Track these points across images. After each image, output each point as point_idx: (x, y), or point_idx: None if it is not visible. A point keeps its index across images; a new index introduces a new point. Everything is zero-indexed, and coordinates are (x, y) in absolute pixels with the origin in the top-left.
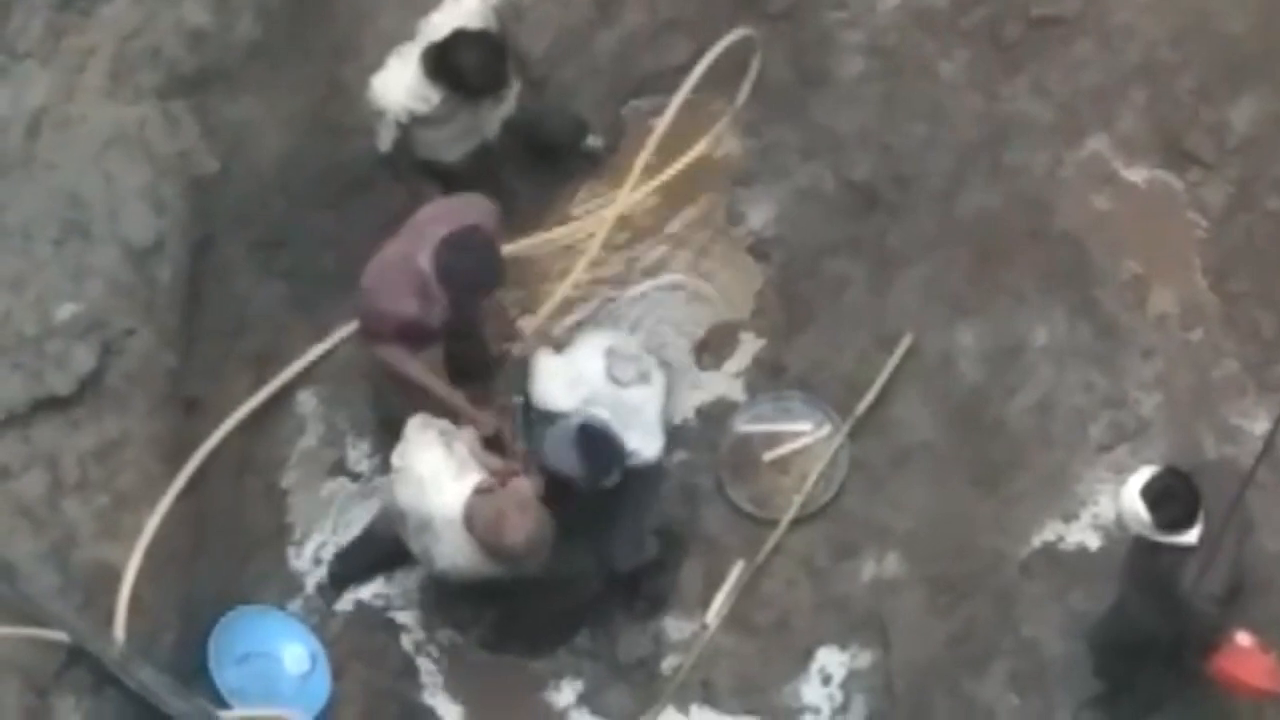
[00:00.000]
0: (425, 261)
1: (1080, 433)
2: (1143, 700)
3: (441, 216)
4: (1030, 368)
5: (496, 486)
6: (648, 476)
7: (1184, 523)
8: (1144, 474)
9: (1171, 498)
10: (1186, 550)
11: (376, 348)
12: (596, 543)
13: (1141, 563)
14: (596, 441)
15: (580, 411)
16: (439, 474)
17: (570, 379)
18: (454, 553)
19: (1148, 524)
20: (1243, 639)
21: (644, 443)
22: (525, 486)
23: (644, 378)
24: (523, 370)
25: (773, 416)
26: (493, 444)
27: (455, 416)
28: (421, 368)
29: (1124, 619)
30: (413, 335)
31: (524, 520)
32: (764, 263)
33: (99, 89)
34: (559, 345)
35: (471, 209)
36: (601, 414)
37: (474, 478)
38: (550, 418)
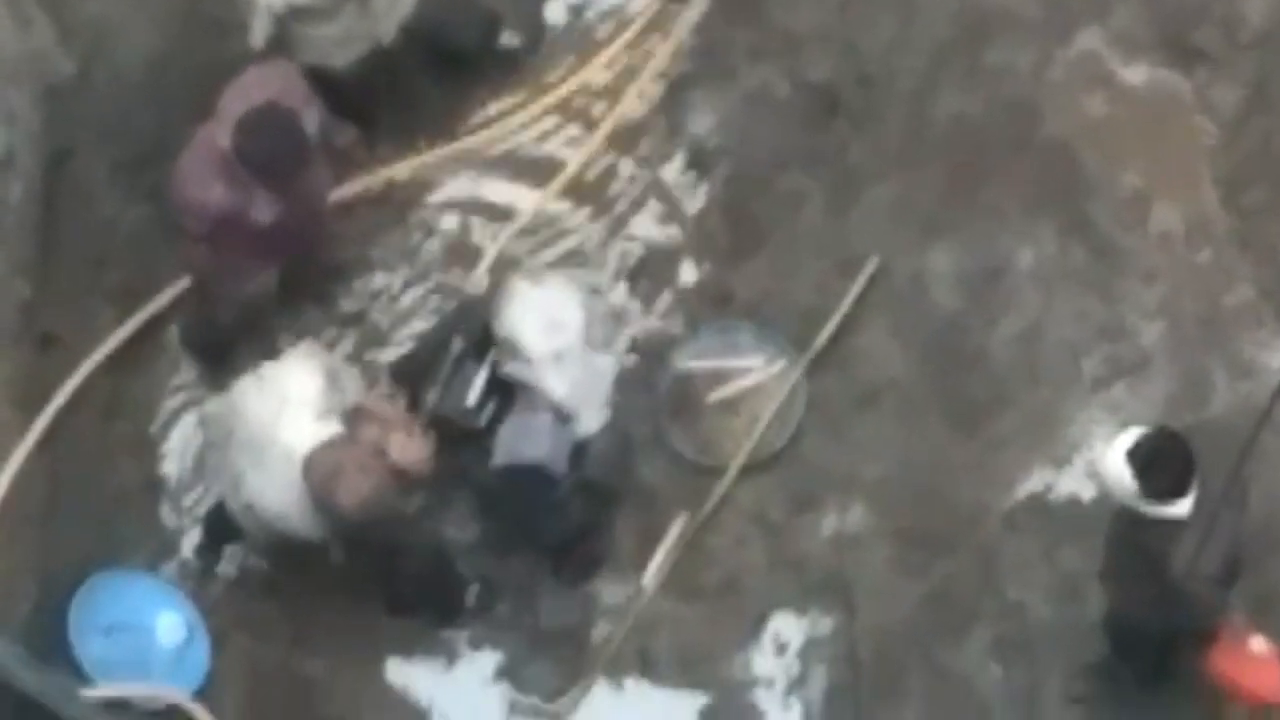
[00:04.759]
0: (226, 140)
1: (1072, 368)
2: (1139, 677)
3: (240, 91)
4: (1014, 294)
5: (347, 442)
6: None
7: (1176, 492)
8: (1130, 435)
9: (1162, 463)
10: (1178, 524)
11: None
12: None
13: (1128, 538)
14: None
15: (543, 387)
16: (305, 405)
17: (549, 321)
18: (273, 490)
19: (1134, 493)
20: (1258, 644)
21: (591, 418)
22: (375, 446)
23: (608, 344)
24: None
25: (718, 352)
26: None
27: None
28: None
29: (1109, 605)
30: (235, 234)
31: (361, 482)
32: (707, 177)
33: None
34: (530, 274)
35: (271, 81)
36: (565, 379)
37: (334, 428)
38: (513, 351)
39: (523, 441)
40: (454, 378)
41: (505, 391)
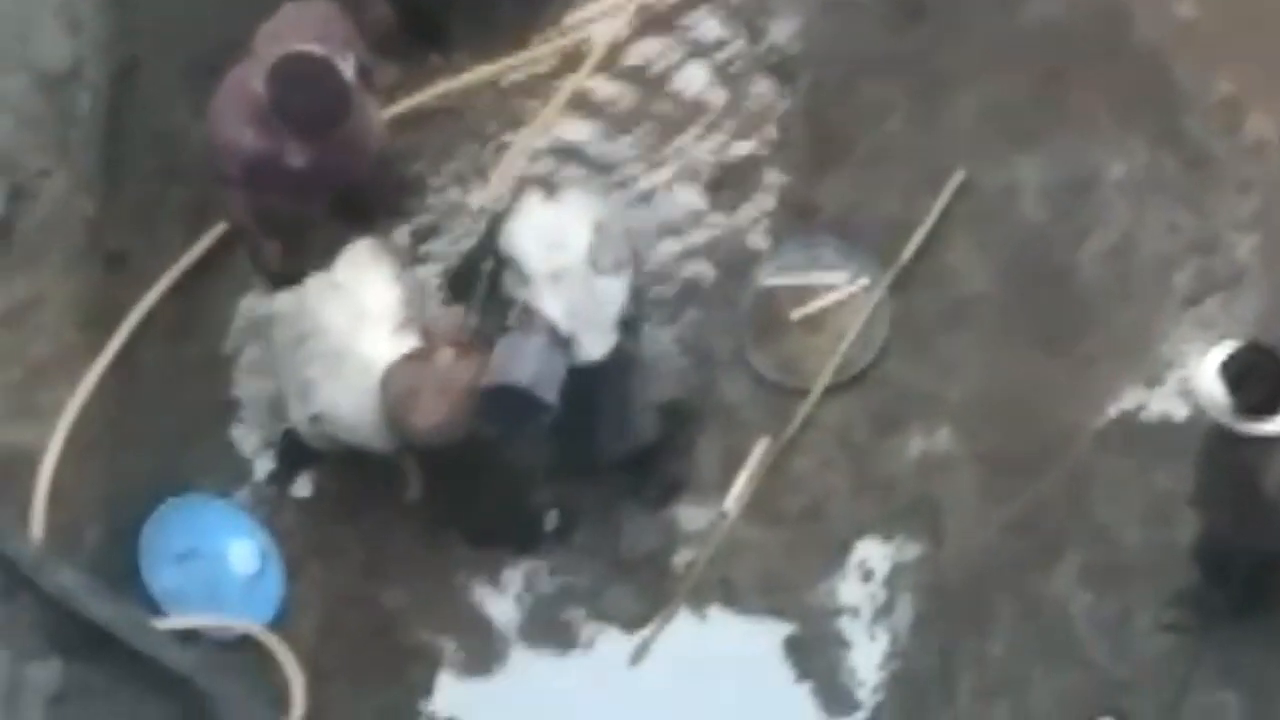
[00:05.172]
0: (259, 84)
1: (1164, 283)
2: (1236, 603)
3: (275, 31)
4: (1104, 207)
5: (427, 358)
6: (611, 368)
7: (1270, 408)
8: (1223, 349)
9: (1256, 377)
10: (1273, 442)
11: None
12: (574, 438)
13: (1221, 455)
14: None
15: (539, 307)
16: (384, 317)
17: (551, 240)
18: (348, 401)
19: (1227, 409)
20: None
21: (594, 343)
22: (452, 368)
23: (619, 268)
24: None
25: (802, 267)
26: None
27: None
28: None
29: (1201, 529)
30: (271, 178)
31: (437, 405)
32: (789, 85)
33: None
34: (550, 188)
35: (309, 22)
36: (561, 300)
37: (411, 340)
38: (512, 265)
39: (510, 362)
40: (489, 299)
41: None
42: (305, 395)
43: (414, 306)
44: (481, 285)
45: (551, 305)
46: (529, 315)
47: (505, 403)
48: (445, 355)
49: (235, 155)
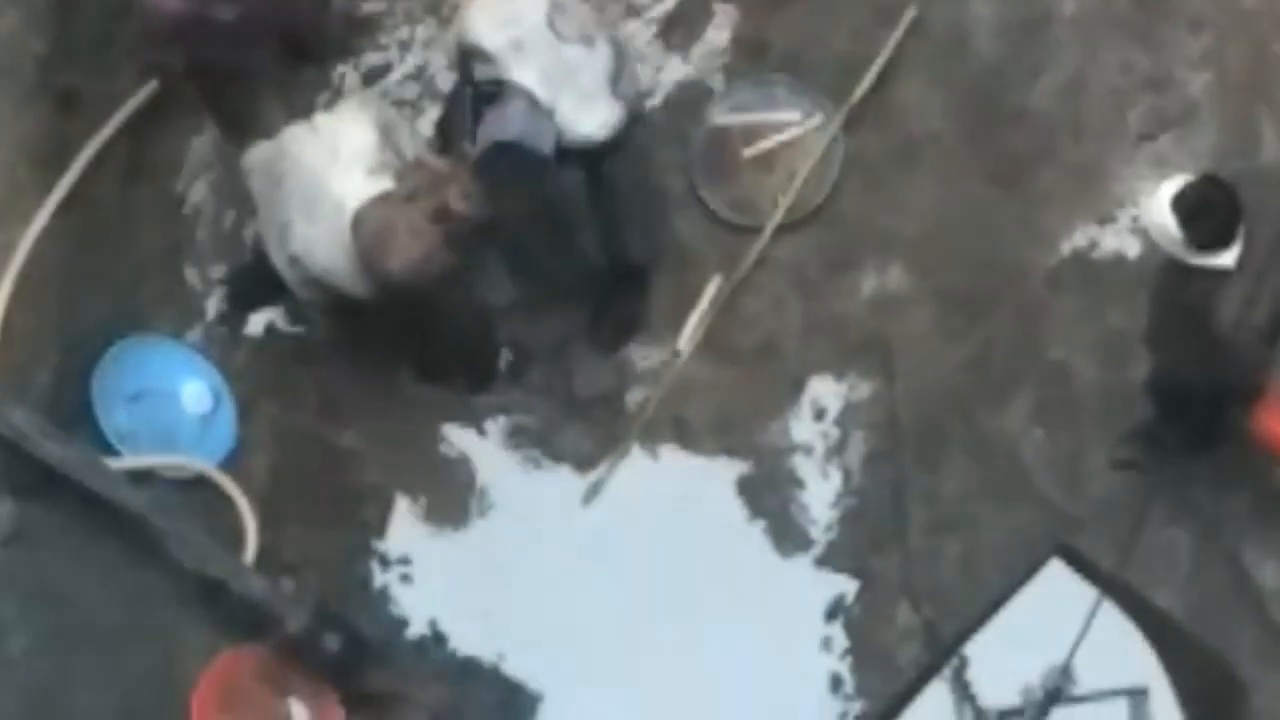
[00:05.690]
0: None
1: (1117, 120)
2: (1189, 439)
3: None
4: (1057, 43)
5: (402, 199)
6: (622, 156)
7: (1222, 241)
8: (1175, 183)
9: (1208, 210)
10: (1225, 275)
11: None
12: (598, 238)
13: (1173, 290)
14: (515, 159)
15: (511, 79)
16: (358, 158)
17: (505, 16)
18: (322, 243)
19: (1179, 243)
20: None
21: (580, 114)
22: (430, 206)
23: (586, 40)
24: None
25: (754, 105)
26: None
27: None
28: None
29: (1154, 365)
30: (199, 38)
31: (410, 246)
32: None
33: None
34: None
35: None
36: (530, 68)
37: (386, 184)
38: (477, 54)
39: (494, 127)
40: (476, 122)
41: None
42: (283, 237)
43: (390, 151)
44: (467, 112)
45: (521, 73)
46: (502, 87)
47: (502, 166)
48: (426, 189)
49: (163, 19)
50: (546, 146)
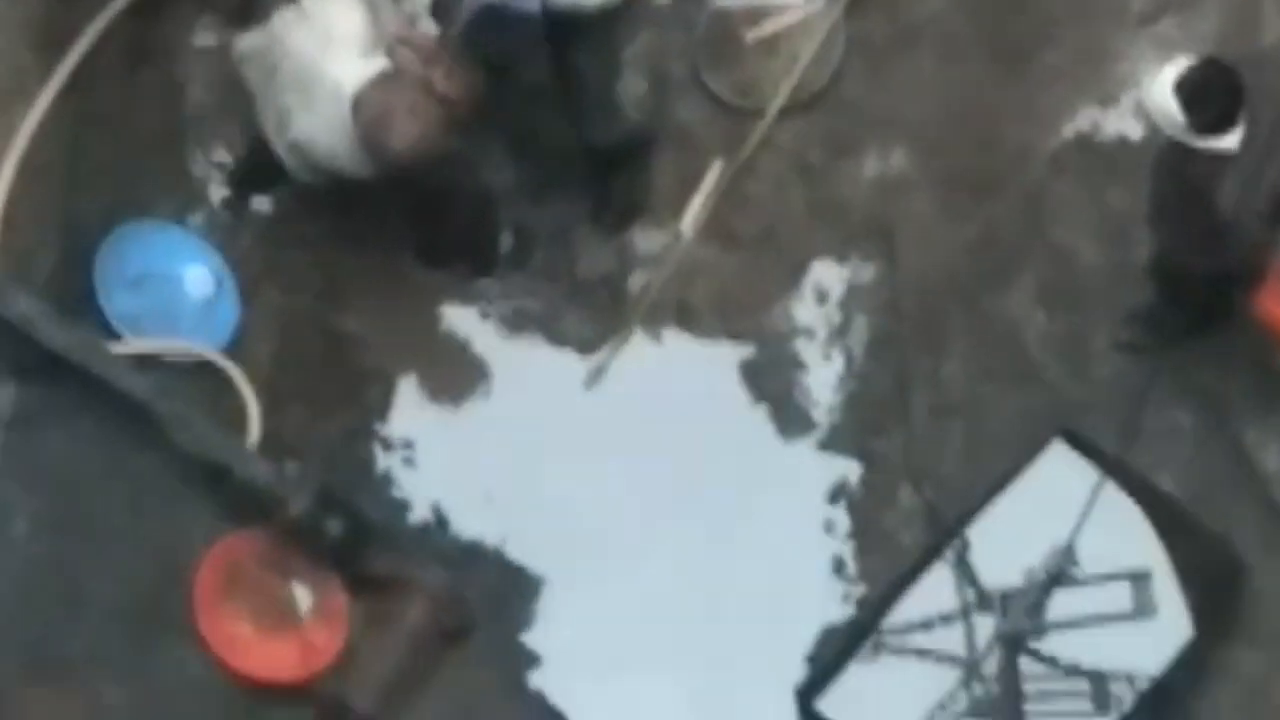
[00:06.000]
0: None
1: (1120, 1)
2: (1191, 321)
3: None
4: None
5: (398, 79)
6: (597, 32)
7: (1224, 123)
8: (1177, 65)
9: (1210, 92)
10: (1226, 158)
11: None
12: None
13: (1175, 173)
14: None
15: None
16: (350, 41)
17: None
18: (322, 128)
19: (1181, 125)
20: None
21: None
22: (422, 83)
23: None
24: None
25: None
26: None
27: None
28: None
29: (1156, 248)
30: None
31: (410, 125)
32: None
33: None
34: None
35: None
36: None
37: (380, 63)
38: None
39: None
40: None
41: None
42: (282, 124)
43: (379, 28)
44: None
45: None
46: None
47: (490, 30)
48: (412, 68)
49: None
50: (532, 6)
